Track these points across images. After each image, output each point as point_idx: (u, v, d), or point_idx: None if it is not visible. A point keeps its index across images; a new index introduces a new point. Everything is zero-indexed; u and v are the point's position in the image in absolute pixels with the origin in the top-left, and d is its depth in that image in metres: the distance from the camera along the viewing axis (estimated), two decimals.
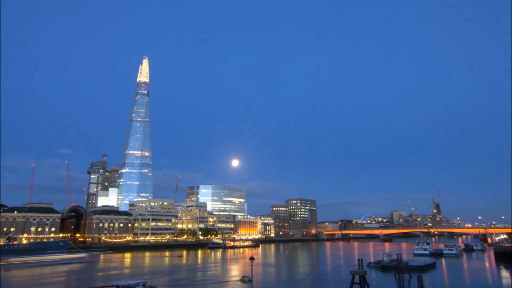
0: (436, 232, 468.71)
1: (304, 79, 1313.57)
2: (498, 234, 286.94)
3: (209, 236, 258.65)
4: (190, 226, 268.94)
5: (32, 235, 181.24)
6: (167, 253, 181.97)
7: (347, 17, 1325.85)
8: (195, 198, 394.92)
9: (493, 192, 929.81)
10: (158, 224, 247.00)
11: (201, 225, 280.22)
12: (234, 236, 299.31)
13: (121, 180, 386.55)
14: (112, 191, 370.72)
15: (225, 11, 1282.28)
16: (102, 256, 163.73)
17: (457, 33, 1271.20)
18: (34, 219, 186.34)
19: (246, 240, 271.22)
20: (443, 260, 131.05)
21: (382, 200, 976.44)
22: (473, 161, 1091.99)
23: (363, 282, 59.82)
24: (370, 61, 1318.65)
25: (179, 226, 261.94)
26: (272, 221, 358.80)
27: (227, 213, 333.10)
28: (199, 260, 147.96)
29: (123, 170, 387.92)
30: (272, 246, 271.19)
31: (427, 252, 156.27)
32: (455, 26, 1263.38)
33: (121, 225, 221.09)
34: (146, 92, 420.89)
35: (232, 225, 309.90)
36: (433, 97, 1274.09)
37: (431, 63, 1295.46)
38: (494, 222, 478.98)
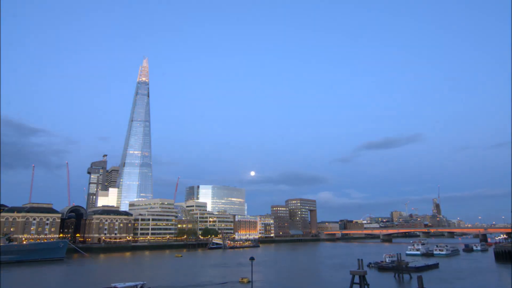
0: (436, 232, 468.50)
1: (304, 80, 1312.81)
2: (498, 234, 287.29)
3: (209, 236, 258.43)
4: (190, 226, 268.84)
5: (32, 235, 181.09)
6: (167, 253, 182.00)
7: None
8: (195, 198, 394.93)
9: (494, 191, 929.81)
10: (158, 224, 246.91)
11: (201, 225, 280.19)
12: (234, 236, 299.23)
13: (121, 180, 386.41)
14: (112, 191, 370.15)
15: (225, 11, 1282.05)
16: (101, 256, 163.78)
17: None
18: (34, 219, 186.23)
19: (246, 240, 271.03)
20: (444, 261, 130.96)
21: (382, 200, 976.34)
22: (473, 159, 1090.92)
23: (363, 282, 59.87)
24: (371, 68, 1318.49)
25: (179, 226, 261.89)
26: (272, 221, 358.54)
27: (227, 213, 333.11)
28: (199, 261, 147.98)
29: (123, 170, 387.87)
30: (272, 246, 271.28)
31: (418, 252, 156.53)
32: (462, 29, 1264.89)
33: (121, 225, 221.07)
34: (146, 92, 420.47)
35: (232, 225, 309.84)
36: (432, 97, 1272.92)
37: (425, 63, 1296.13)
38: (494, 222, 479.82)
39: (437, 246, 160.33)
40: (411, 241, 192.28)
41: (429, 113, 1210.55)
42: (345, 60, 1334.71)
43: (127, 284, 62.00)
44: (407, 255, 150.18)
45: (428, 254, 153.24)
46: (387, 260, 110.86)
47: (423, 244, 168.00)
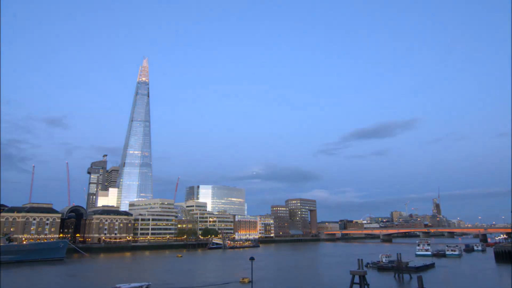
0: (436, 232, 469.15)
1: (302, 76, 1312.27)
2: (498, 234, 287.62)
3: (209, 236, 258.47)
4: (190, 226, 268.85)
5: (32, 235, 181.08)
6: (167, 253, 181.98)
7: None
8: (195, 198, 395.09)
9: (494, 189, 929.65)
10: (158, 224, 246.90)
11: (201, 225, 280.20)
12: (234, 236, 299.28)
13: (121, 180, 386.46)
14: (112, 191, 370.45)
15: (225, 11, 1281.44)
16: (101, 256, 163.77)
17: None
18: (34, 219, 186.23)
19: (246, 240, 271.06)
20: (443, 261, 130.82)
21: (382, 200, 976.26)
22: (473, 151, 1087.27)
23: (363, 282, 59.85)
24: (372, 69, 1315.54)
25: (179, 226, 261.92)
26: (272, 221, 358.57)
27: (227, 213, 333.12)
28: (199, 261, 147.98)
29: (123, 170, 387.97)
30: (272, 246, 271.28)
31: (429, 253, 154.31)
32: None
33: (121, 225, 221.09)
34: (146, 92, 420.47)
35: (232, 225, 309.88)
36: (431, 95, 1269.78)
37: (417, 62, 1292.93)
38: (494, 222, 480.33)
39: (448, 246, 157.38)
40: (417, 241, 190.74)
41: (424, 97, 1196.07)
42: (333, 42, 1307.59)
43: (132, 285, 61.14)
44: (417, 255, 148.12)
45: (439, 255, 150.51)
46: (383, 260, 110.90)
47: (429, 244, 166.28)
